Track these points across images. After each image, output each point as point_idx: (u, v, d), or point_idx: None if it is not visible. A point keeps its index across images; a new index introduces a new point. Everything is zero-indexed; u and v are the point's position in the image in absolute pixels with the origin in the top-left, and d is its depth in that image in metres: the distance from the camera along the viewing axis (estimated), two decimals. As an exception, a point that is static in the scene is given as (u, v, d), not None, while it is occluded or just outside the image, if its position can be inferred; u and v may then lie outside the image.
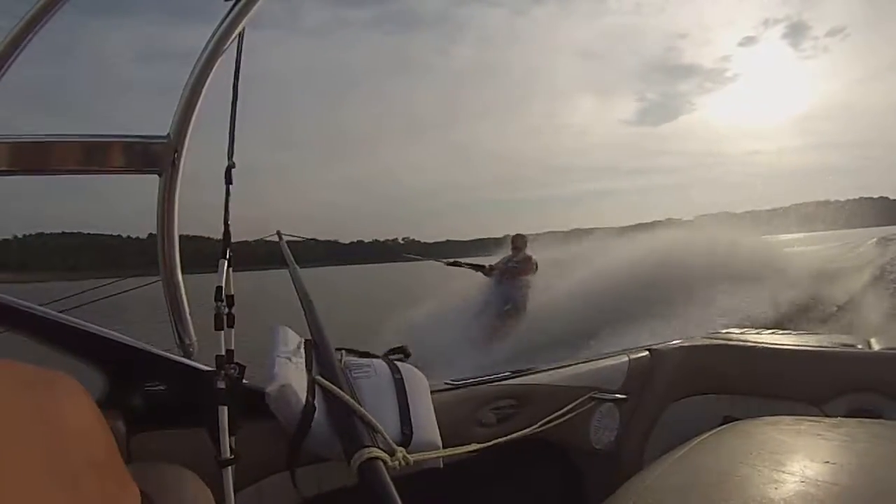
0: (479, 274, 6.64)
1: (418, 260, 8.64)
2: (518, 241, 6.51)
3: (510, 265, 6.45)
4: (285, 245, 1.46)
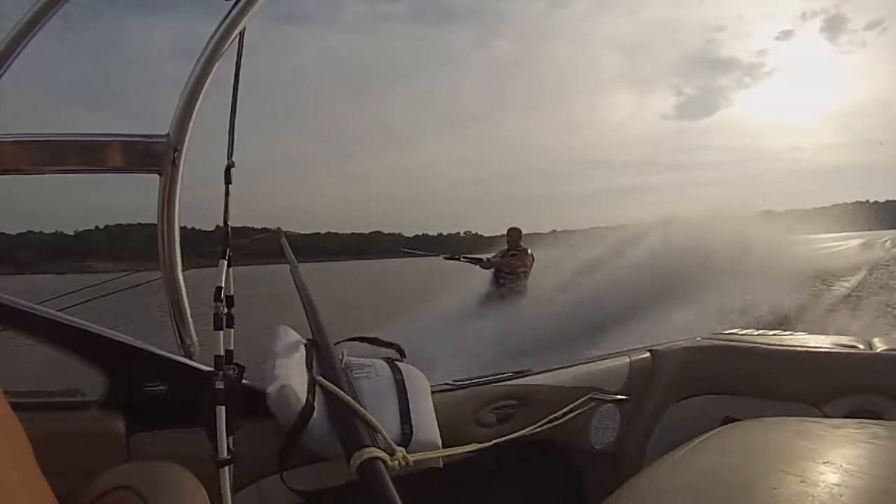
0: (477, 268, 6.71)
1: (419, 255, 8.80)
2: (513, 235, 6.56)
3: (508, 256, 6.49)
4: (285, 242, 1.46)
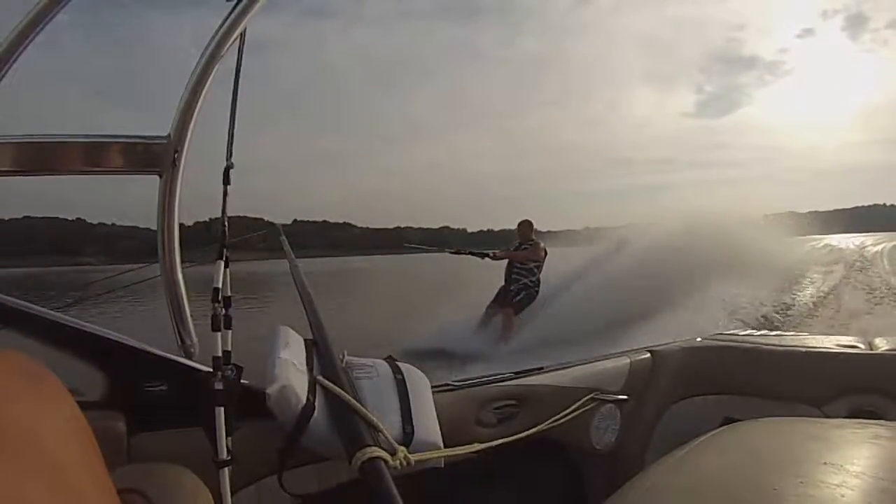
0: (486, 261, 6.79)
1: (424, 251, 8.87)
2: (523, 228, 6.65)
3: (522, 247, 6.59)
4: (284, 239, 1.45)
